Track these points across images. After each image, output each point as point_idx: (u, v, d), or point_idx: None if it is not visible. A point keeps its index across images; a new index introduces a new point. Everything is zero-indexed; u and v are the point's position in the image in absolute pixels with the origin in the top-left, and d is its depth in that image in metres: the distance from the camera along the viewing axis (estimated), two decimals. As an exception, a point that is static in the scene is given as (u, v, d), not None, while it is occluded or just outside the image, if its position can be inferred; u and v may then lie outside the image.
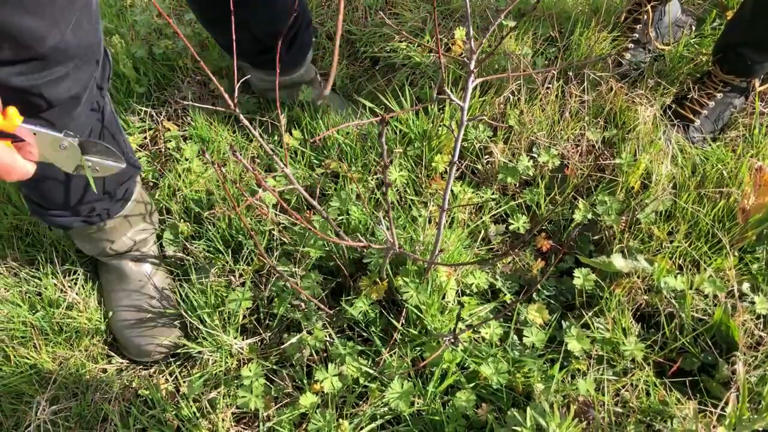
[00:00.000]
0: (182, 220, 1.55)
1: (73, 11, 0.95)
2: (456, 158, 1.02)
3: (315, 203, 1.19)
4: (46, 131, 0.81)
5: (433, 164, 1.56)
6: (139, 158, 1.67)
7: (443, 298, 1.33)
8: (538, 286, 1.41)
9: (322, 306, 1.35)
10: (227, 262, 1.46)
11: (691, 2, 2.02)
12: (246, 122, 1.01)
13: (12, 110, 0.75)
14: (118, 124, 1.29)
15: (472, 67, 0.95)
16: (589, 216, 1.46)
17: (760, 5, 1.51)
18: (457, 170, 1.60)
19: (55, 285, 1.50)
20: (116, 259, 1.49)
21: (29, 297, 1.49)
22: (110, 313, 1.48)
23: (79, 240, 1.44)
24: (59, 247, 1.56)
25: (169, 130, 1.70)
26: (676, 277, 1.35)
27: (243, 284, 1.43)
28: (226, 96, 0.98)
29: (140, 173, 1.42)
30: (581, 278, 1.35)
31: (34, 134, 0.80)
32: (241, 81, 1.11)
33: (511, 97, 1.66)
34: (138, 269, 1.50)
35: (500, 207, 1.54)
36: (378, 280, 1.34)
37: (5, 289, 1.49)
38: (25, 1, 0.85)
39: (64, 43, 0.95)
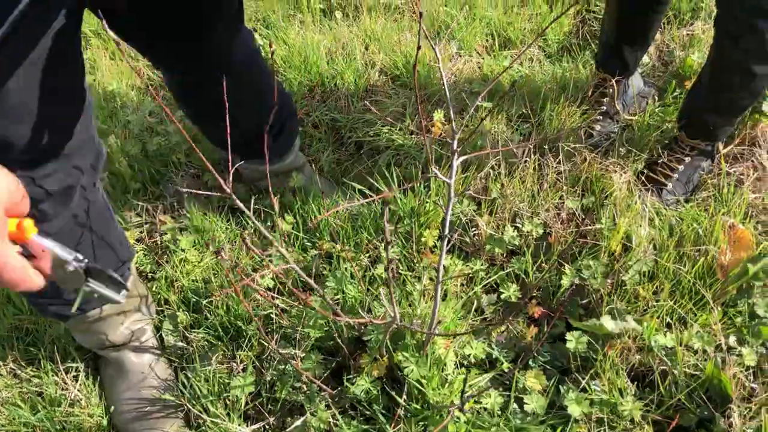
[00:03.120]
0: (181, 310, 1.58)
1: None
2: (447, 232, 1.08)
3: (312, 282, 1.23)
4: (57, 251, 0.78)
5: (423, 239, 1.62)
6: (137, 251, 1.71)
7: (443, 370, 1.36)
8: (534, 353, 1.44)
9: (324, 387, 1.37)
10: (227, 349, 1.49)
11: (651, 75, 2.16)
12: (240, 205, 1.07)
13: (28, 222, 0.74)
14: (110, 211, 1.36)
15: (455, 146, 1.02)
16: (576, 280, 1.52)
17: (715, 75, 1.63)
18: (447, 243, 1.66)
19: (56, 383, 1.50)
20: (115, 351, 1.50)
21: (30, 397, 1.49)
22: (112, 408, 1.48)
23: (78, 333, 1.46)
24: (59, 345, 1.57)
25: (165, 223, 1.75)
26: (665, 334, 1.40)
27: (245, 369, 1.44)
28: (222, 182, 1.04)
29: (132, 261, 1.47)
30: (574, 341, 1.39)
31: (43, 251, 0.77)
32: (234, 167, 1.18)
33: (491, 172, 1.75)
34: (138, 360, 1.51)
35: (490, 277, 1.59)
36: (378, 356, 1.37)
37: (6, 390, 1.49)
38: (13, 111, 0.95)
39: (55, 143, 1.05)
